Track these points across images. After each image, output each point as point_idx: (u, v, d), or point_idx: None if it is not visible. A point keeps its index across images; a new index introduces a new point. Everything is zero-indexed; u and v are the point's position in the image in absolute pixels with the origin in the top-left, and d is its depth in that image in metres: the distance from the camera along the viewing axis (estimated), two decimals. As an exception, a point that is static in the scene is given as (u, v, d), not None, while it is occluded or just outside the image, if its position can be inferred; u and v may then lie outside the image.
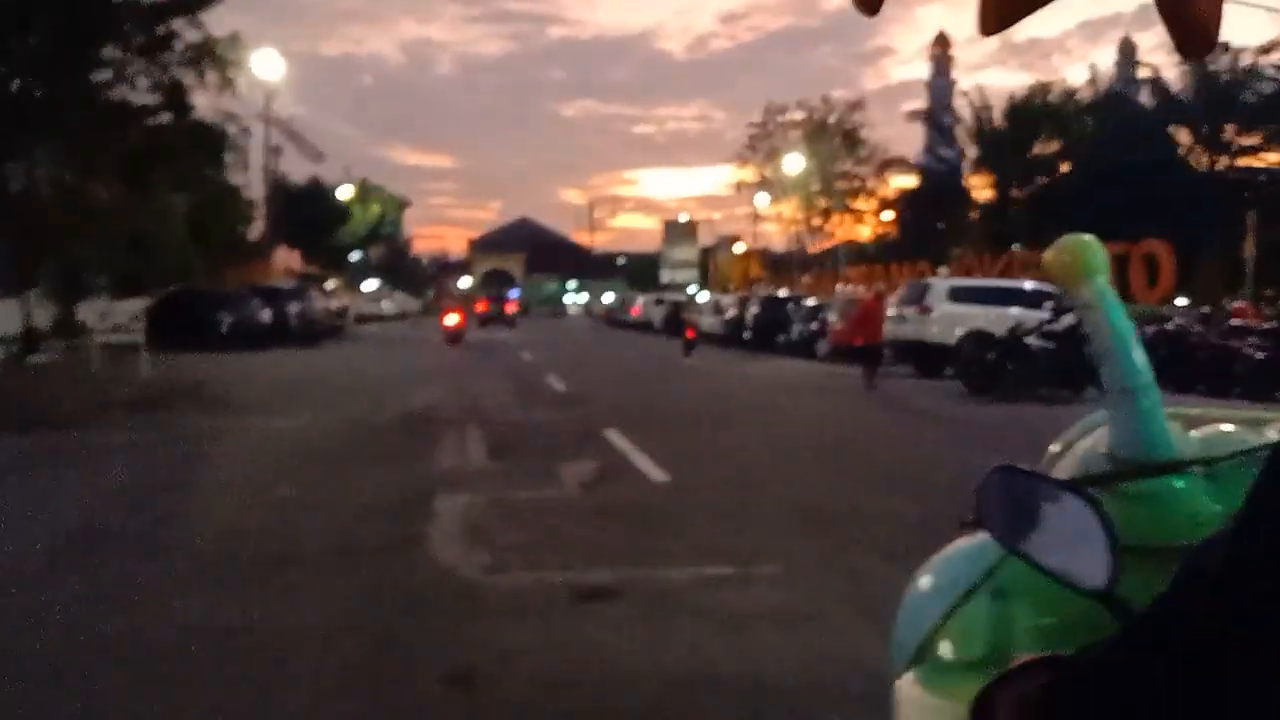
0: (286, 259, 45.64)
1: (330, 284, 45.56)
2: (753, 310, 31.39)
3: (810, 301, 29.79)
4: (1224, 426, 1.40)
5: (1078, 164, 42.92)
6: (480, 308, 54.02)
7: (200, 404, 13.26)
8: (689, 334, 23.15)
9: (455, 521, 6.21)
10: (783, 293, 36.64)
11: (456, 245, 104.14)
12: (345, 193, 59.20)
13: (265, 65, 28.46)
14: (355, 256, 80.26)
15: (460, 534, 5.93)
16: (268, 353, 24.02)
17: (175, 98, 25.22)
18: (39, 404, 12.43)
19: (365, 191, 64.25)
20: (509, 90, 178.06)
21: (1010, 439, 9.05)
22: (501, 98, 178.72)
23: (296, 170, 63.17)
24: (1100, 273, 1.34)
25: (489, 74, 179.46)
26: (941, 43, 65.49)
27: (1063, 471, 1.35)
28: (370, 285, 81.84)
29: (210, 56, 23.12)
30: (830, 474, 8.34)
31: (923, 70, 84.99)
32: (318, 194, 58.48)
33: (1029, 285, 20.72)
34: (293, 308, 27.84)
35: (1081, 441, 1.42)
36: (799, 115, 58.84)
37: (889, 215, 53.31)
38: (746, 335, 31.56)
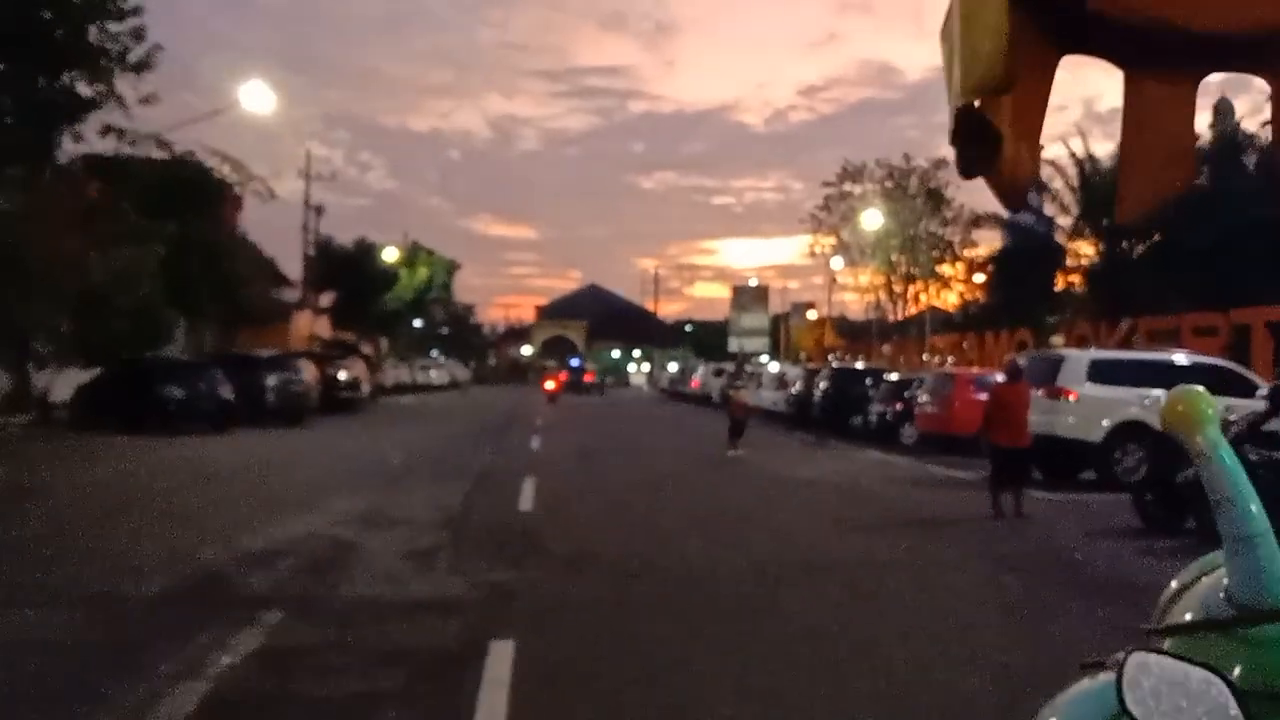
0: (311, 324, 41.90)
1: (365, 350, 41.54)
2: (822, 385, 26.11)
3: (892, 376, 24.41)
4: None
5: (1194, 221, 36.95)
6: (562, 376, 55.98)
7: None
8: (735, 414, 17.99)
9: None
10: (859, 365, 31.36)
11: (530, 314, 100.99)
12: (391, 255, 55.67)
13: (254, 99, 24.74)
14: (418, 323, 77.43)
15: None
16: (214, 437, 19.64)
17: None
18: None
19: (414, 253, 60.77)
20: (591, 163, 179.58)
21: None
22: (583, 170, 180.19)
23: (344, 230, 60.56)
24: (1212, 423, 1.34)
25: (571, 147, 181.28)
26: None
27: (1181, 612, 1.40)
28: (432, 353, 78.92)
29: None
30: None
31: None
32: (362, 256, 55.13)
33: (1182, 358, 15.24)
34: (271, 380, 23.53)
35: (1200, 583, 1.44)
36: (878, 174, 53.85)
37: (980, 278, 47.42)
38: (815, 413, 26.28)
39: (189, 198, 29.03)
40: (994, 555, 8.59)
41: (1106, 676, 1.34)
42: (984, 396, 19.97)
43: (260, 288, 36.84)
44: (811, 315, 66.91)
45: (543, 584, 7.08)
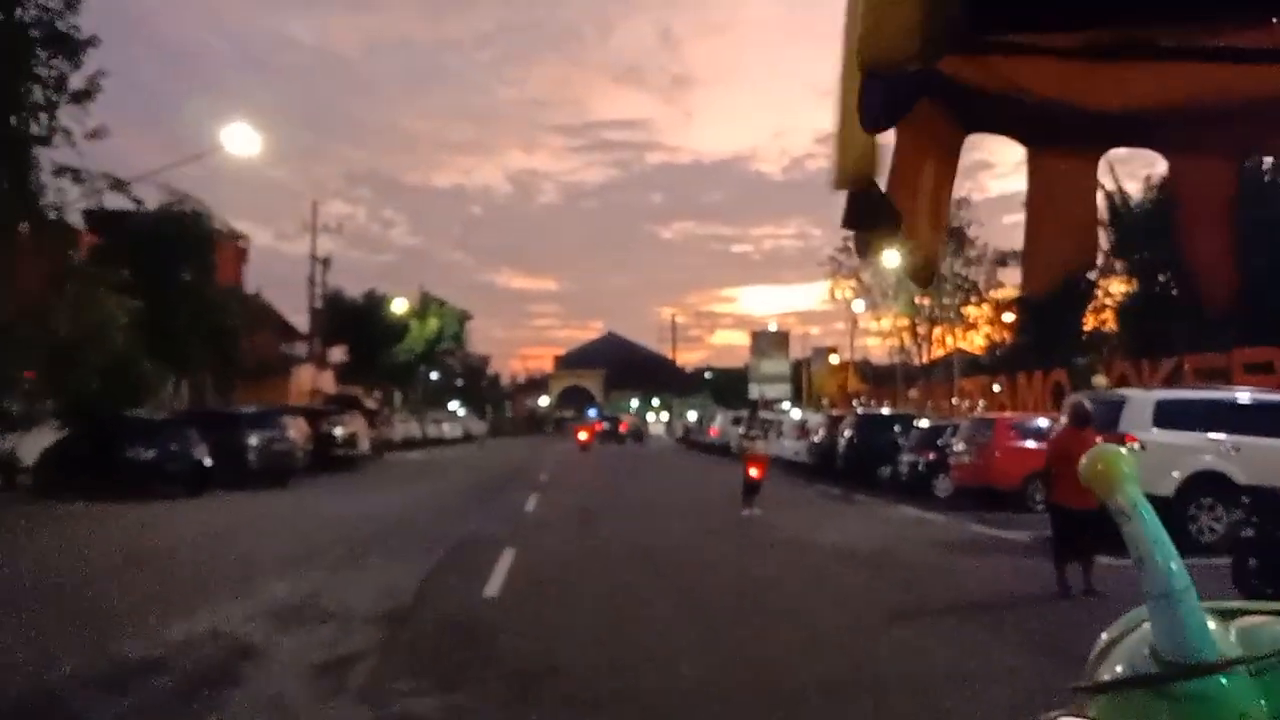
0: (314, 378, 40.45)
1: (369, 404, 39.95)
2: (846, 434, 24.20)
3: (923, 423, 22.49)
4: (1259, 619, 1.42)
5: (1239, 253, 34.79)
6: (596, 427, 57.63)
7: None
8: (750, 472, 16.11)
9: None
10: (885, 410, 29.47)
11: (550, 365, 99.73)
12: (401, 306, 54.34)
13: (237, 141, 23.46)
14: (434, 375, 75.97)
15: None
16: (186, 502, 18.00)
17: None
18: None
19: (425, 305, 59.41)
20: (610, 214, 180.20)
21: None
22: (603, 222, 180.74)
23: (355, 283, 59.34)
24: (1131, 481, 1.37)
25: (591, 199, 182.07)
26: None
27: (1109, 668, 1.41)
28: (450, 406, 77.24)
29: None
30: None
31: (1021, 184, 77.12)
32: (372, 308, 53.88)
33: (1246, 397, 13.38)
34: (252, 439, 21.90)
35: (1128, 638, 1.45)
36: (898, 213, 51.99)
37: (1009, 317, 45.34)
38: (839, 464, 24.36)
39: (175, 247, 27.84)
40: (1076, 655, 6.69)
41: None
42: (1028, 444, 18.14)
43: (260, 341, 35.55)
44: (834, 360, 64.94)
45: None
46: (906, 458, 20.87)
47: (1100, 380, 26.06)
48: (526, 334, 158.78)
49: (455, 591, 9.13)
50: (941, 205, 1.53)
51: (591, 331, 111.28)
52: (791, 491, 21.22)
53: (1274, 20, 1.39)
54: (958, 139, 1.51)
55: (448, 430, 61.28)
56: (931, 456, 20.14)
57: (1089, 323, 43.50)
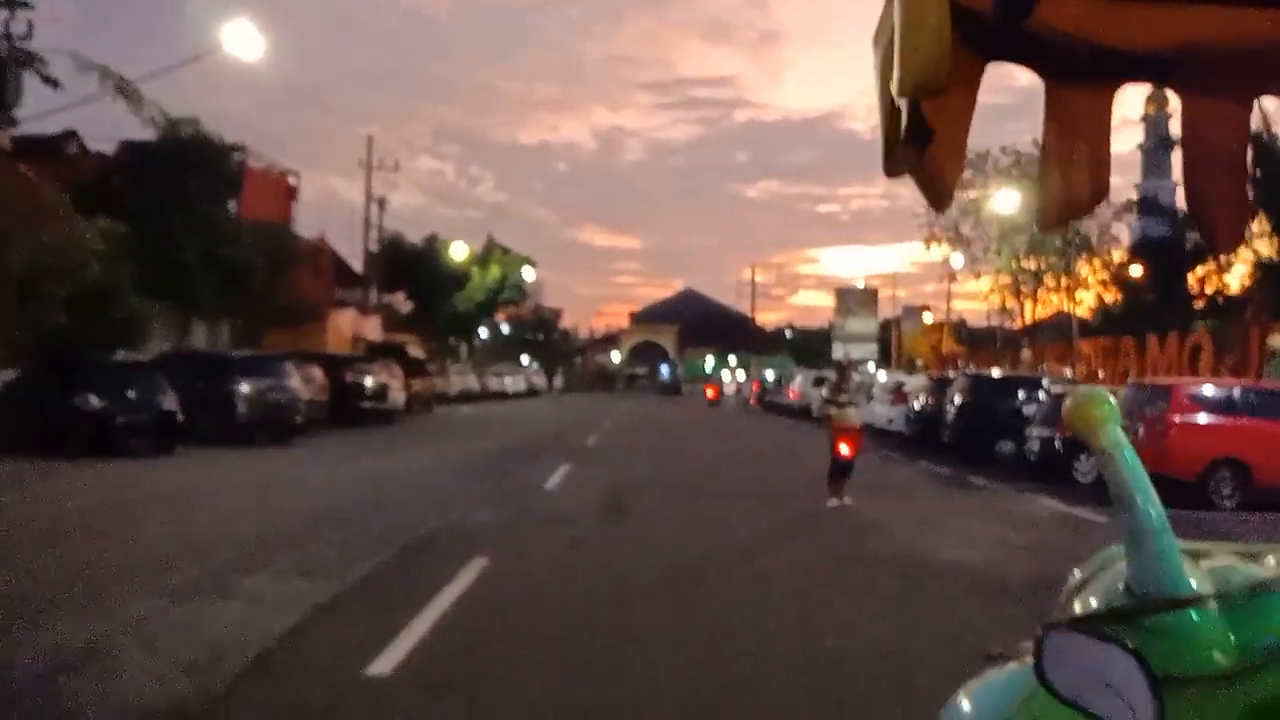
0: (356, 324, 37.22)
1: (415, 353, 36.48)
2: (956, 400, 19.75)
3: (1057, 388, 17.99)
4: (1227, 559, 1.50)
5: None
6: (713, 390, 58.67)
7: None
8: (841, 448, 11.93)
9: None
10: (1003, 372, 24.94)
11: (627, 321, 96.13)
12: (460, 252, 50.82)
13: (239, 42, 19.90)
14: (506, 328, 72.79)
15: None
16: (150, 462, 14.74)
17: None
18: None
19: (489, 251, 55.79)
20: (695, 173, 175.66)
21: None
22: (688, 180, 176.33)
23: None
24: (1114, 422, 1.40)
25: (676, 157, 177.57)
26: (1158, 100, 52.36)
27: (1085, 601, 1.47)
28: (523, 360, 74.12)
29: None
30: None
31: (1123, 142, 70.89)
32: (432, 254, 50.51)
33: None
34: (244, 387, 18.50)
35: (1101, 575, 1.50)
36: (1004, 162, 46.13)
37: (1138, 270, 39.66)
38: (947, 437, 20.00)
39: (184, 175, 24.60)
40: None
41: (1015, 665, 1.46)
42: (1213, 420, 13.64)
43: (304, 283, 32.38)
44: (928, 319, 59.78)
45: None
46: (1037, 431, 16.40)
47: (1277, 340, 21.16)
48: (609, 291, 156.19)
49: (325, 656, 5.29)
50: (960, 134, 1.57)
51: (671, 290, 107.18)
52: (888, 471, 17.00)
53: None
54: (977, 68, 1.54)
55: (509, 384, 58.03)
56: (1067, 432, 15.75)
57: (1212, 283, 37.89)
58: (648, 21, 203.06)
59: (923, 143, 1.40)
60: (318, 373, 22.77)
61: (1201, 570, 1.42)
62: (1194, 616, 1.32)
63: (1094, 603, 1.43)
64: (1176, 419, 13.12)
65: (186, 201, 24.68)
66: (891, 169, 1.50)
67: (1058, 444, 15.89)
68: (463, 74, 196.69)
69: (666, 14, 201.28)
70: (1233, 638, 1.30)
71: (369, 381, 26.28)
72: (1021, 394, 18.87)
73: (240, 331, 30.49)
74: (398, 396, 28.20)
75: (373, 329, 38.49)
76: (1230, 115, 1.64)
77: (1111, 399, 1.42)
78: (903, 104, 1.32)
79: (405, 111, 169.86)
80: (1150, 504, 1.36)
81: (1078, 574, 1.57)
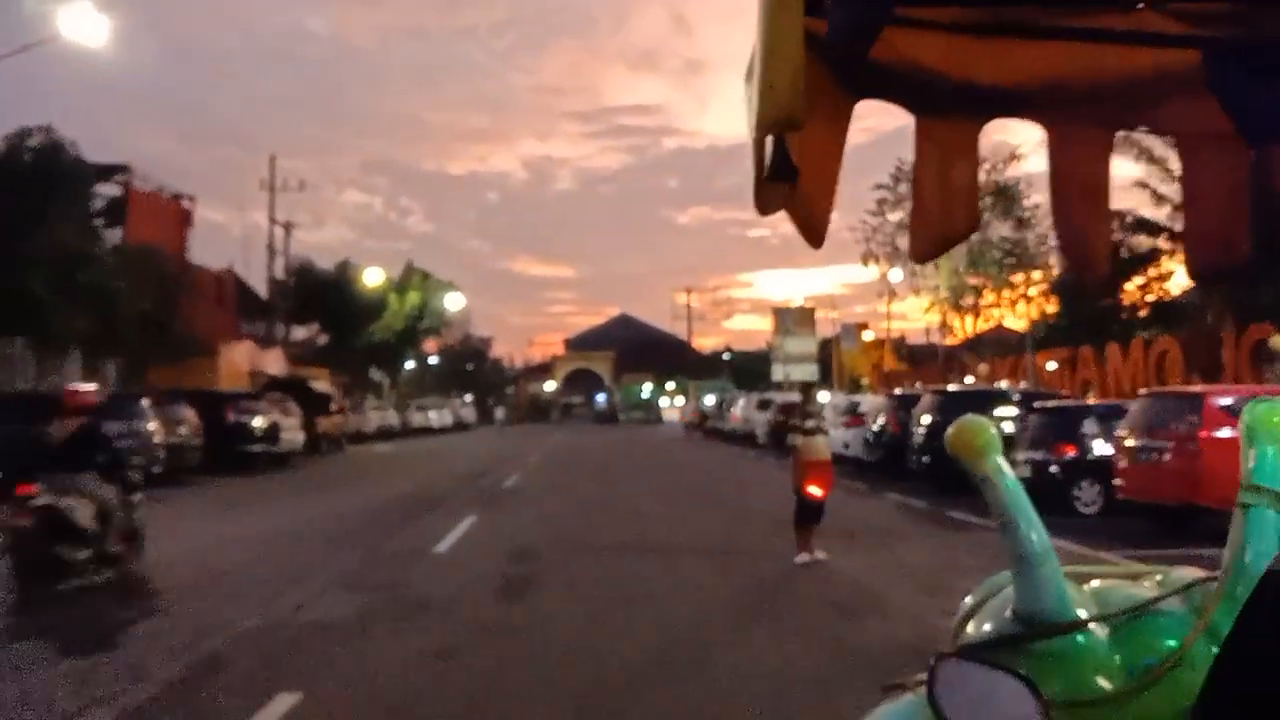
0: (254, 357, 33.78)
1: (321, 388, 32.98)
2: (924, 419, 17.26)
3: (1050, 403, 15.64)
4: (1110, 581, 1.50)
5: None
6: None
7: None
8: (810, 489, 9.21)
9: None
10: (977, 385, 22.75)
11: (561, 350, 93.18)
12: (375, 277, 47.43)
13: (79, 26, 16.86)
14: (434, 360, 69.08)
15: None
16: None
17: None
18: None
19: (407, 277, 52.45)
20: (626, 200, 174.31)
21: None
22: (618, 208, 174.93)
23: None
24: (996, 450, 1.43)
25: (607, 185, 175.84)
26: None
27: (975, 629, 1.45)
28: (455, 394, 70.43)
29: None
30: None
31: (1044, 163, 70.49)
32: (345, 281, 47.09)
33: None
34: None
35: (991, 602, 1.48)
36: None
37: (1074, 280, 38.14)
38: (913, 463, 17.50)
39: (28, 189, 21.28)
40: None
41: (910, 695, 1.41)
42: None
43: (196, 314, 29.00)
44: (867, 336, 57.99)
45: None
46: (1026, 455, 13.92)
47: (1277, 339, 19.24)
48: (543, 321, 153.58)
49: None
50: (830, 170, 1.56)
51: (606, 317, 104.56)
52: (855, 506, 14.40)
53: (1138, 6, 1.50)
54: (847, 104, 1.56)
55: (435, 419, 54.62)
56: (1070, 453, 13.36)
57: (1153, 292, 36.63)
58: (574, 52, 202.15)
59: (789, 179, 1.41)
60: (189, 413, 19.53)
61: (1085, 593, 1.44)
62: (1080, 640, 1.35)
63: (985, 629, 1.45)
64: (1209, 436, 10.75)
65: (40, 222, 21.38)
66: (763, 206, 1.51)
67: (1054, 469, 13.50)
68: (389, 105, 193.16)
69: (593, 44, 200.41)
70: (1117, 659, 1.33)
71: (257, 421, 23.00)
72: (998, 411, 16.52)
73: (121, 368, 27.03)
74: (293, 437, 24.93)
75: (275, 362, 35.06)
76: (1093, 147, 1.72)
77: (992, 427, 1.46)
78: (768, 141, 1.34)
79: (332, 144, 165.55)
80: (1033, 529, 1.39)
81: (969, 601, 1.55)
